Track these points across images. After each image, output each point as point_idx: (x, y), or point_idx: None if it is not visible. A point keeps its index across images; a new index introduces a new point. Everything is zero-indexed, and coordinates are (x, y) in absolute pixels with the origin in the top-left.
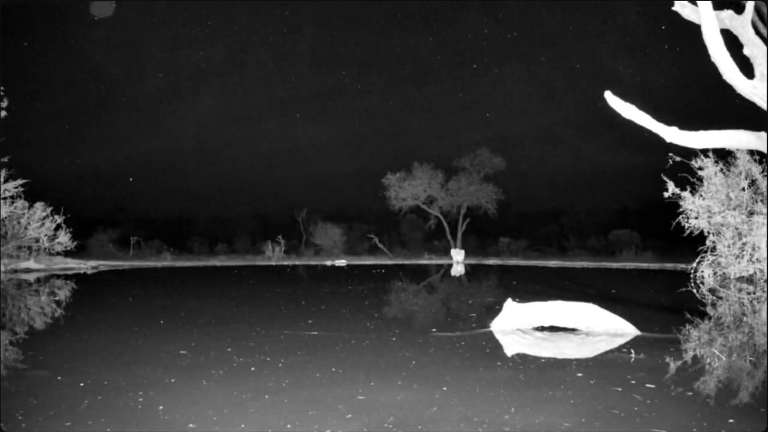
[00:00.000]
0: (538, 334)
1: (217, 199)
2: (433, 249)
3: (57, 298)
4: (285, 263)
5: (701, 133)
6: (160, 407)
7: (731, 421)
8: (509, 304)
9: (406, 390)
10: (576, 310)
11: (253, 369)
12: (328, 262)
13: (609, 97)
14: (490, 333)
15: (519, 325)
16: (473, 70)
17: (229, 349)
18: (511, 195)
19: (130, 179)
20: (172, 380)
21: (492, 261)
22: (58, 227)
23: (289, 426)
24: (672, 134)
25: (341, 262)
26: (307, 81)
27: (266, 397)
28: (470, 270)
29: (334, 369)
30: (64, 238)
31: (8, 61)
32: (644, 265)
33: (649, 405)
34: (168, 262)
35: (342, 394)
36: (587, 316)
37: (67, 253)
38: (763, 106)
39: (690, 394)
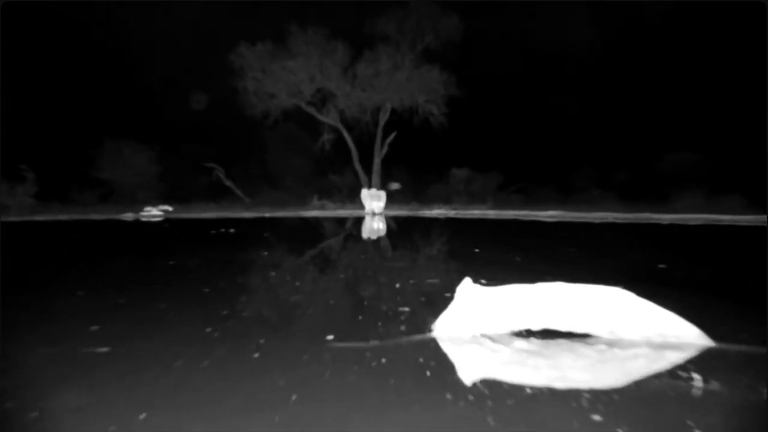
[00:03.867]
0: (521, 342)
1: None
2: (327, 189)
3: None
4: (38, 218)
5: None
6: None
7: None
8: (466, 289)
9: None
10: (590, 300)
11: None
12: (130, 215)
13: None
14: (433, 341)
15: (485, 328)
16: None
17: None
18: (475, 87)
19: None
20: None
21: (438, 212)
22: None
23: None
24: None
25: (155, 213)
26: None
27: None
28: (396, 227)
29: (142, 414)
30: None
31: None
32: (725, 218)
33: None
34: None
35: None
36: (611, 311)
37: None
38: None
39: None
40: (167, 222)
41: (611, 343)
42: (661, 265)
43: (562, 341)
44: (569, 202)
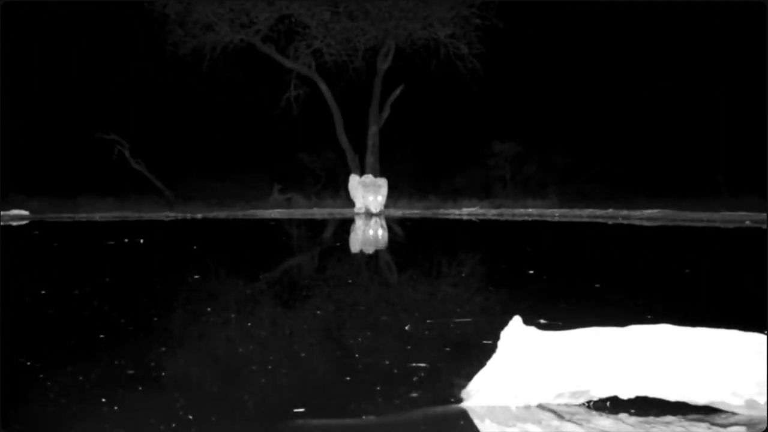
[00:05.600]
0: (604, 419)
1: None
2: (295, 176)
3: None
4: None
5: None
6: None
7: None
8: (516, 333)
9: None
10: (716, 352)
11: None
12: None
13: None
14: (464, 416)
15: (544, 394)
16: None
17: None
18: (530, 16)
19: None
20: None
21: (470, 211)
22: None
23: None
24: None
25: (15, 214)
26: None
27: None
28: (405, 235)
29: None
30: None
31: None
32: None
33: None
34: None
35: None
36: (751, 371)
37: None
38: None
39: None
40: (36, 227)
41: (753, 423)
42: None
43: (671, 418)
44: (678, 196)
